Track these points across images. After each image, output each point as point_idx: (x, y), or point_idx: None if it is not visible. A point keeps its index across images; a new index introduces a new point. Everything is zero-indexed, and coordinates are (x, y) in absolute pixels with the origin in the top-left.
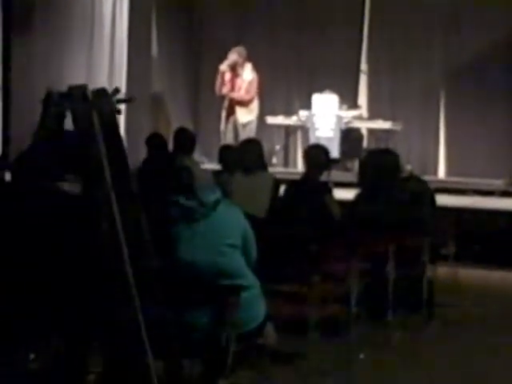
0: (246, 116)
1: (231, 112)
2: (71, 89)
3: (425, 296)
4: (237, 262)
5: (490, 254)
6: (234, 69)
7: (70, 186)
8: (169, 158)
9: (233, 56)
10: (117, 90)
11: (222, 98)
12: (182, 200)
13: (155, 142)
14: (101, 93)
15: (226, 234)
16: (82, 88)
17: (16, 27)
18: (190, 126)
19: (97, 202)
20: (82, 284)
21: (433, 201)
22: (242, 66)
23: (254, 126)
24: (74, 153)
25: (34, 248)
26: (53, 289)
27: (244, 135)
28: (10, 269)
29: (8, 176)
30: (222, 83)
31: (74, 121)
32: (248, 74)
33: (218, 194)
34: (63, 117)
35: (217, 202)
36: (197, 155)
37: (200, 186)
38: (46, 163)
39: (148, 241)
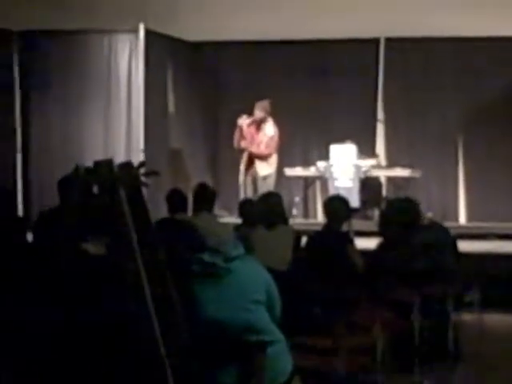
0: (265, 169)
1: (250, 165)
2: (97, 164)
3: (451, 344)
4: (262, 317)
5: None
6: (256, 123)
7: (95, 248)
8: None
9: (260, 113)
10: (142, 164)
11: (241, 151)
12: (206, 257)
13: (175, 198)
14: (126, 167)
15: (251, 289)
16: (108, 163)
17: (34, 88)
18: (209, 180)
19: (125, 280)
20: (109, 350)
21: (455, 247)
22: (266, 120)
23: (272, 179)
24: (98, 215)
25: (57, 313)
26: (80, 353)
27: (263, 188)
28: (29, 334)
29: (30, 237)
30: (241, 137)
31: (101, 195)
32: (270, 129)
33: (240, 249)
34: (90, 192)
35: (240, 258)
36: (217, 209)
37: (222, 241)
38: (70, 225)
39: (176, 306)
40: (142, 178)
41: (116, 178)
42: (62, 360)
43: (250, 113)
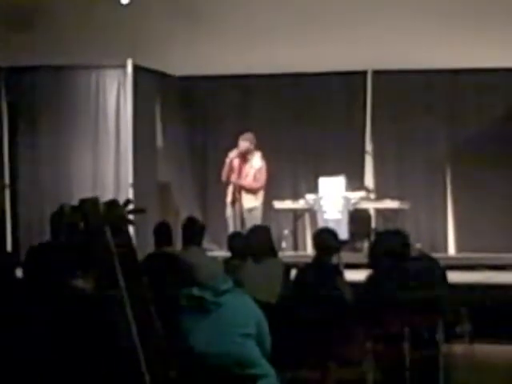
0: (251, 202)
1: (237, 198)
2: (83, 202)
3: (441, 376)
4: (252, 351)
5: (506, 329)
6: (243, 156)
7: (84, 283)
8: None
9: (245, 144)
10: (128, 201)
11: (228, 184)
12: (196, 291)
13: (162, 231)
14: (112, 205)
15: (240, 323)
16: (94, 201)
17: (21, 124)
18: (197, 214)
19: (113, 320)
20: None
21: (445, 278)
22: (252, 153)
23: (259, 212)
24: (85, 250)
25: (45, 349)
26: None
27: (250, 221)
28: (19, 372)
29: (19, 272)
30: (231, 170)
31: (87, 233)
32: (257, 161)
33: (229, 283)
34: (76, 229)
35: (229, 292)
36: (206, 243)
37: (212, 275)
38: (59, 261)
39: (162, 340)
40: (129, 216)
41: (102, 217)
42: None
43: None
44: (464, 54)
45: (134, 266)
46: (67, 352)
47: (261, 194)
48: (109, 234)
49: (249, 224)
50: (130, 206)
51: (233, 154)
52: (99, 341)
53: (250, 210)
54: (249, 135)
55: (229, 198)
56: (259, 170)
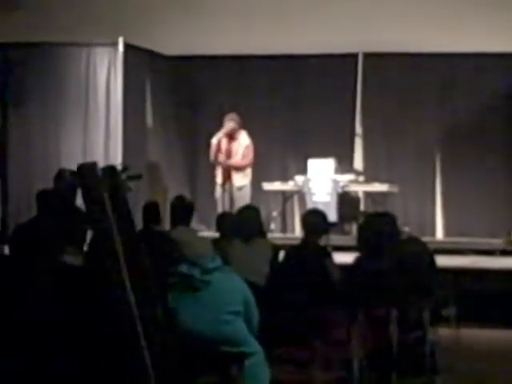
0: (240, 180)
1: (226, 178)
2: (81, 167)
3: (427, 359)
4: (239, 329)
5: (492, 314)
6: (230, 135)
7: (73, 259)
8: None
9: (230, 124)
10: (125, 168)
11: (217, 165)
12: (184, 269)
13: (150, 210)
14: (110, 170)
15: (228, 301)
16: (92, 165)
17: (11, 101)
18: (186, 193)
19: (109, 276)
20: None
21: (432, 262)
22: (238, 132)
23: (248, 190)
24: (75, 226)
25: (36, 326)
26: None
27: (239, 200)
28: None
29: (6, 250)
30: (218, 151)
31: (85, 197)
32: (245, 139)
33: (218, 262)
34: (74, 194)
35: (217, 270)
36: (194, 223)
37: (200, 254)
38: (46, 237)
39: (159, 312)
40: (126, 182)
41: (100, 181)
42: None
43: None
44: (454, 38)
45: (131, 231)
46: (62, 327)
47: (249, 172)
48: (107, 198)
49: (238, 203)
50: (127, 173)
51: (220, 134)
52: (96, 314)
53: (240, 189)
54: (233, 115)
55: (218, 179)
56: (247, 147)
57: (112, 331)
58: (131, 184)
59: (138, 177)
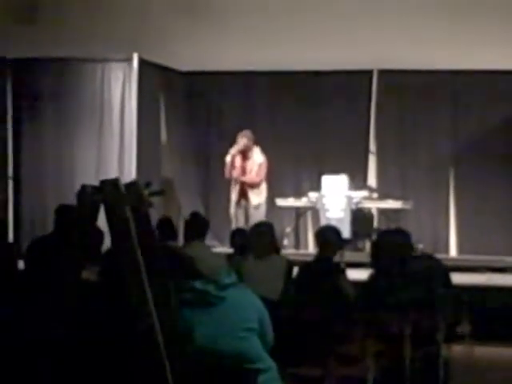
0: (256, 198)
1: (242, 195)
2: (104, 182)
3: (441, 376)
4: (254, 345)
5: (506, 331)
6: (243, 153)
7: (89, 274)
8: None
9: (243, 140)
10: (148, 183)
11: (232, 181)
12: (199, 285)
13: (165, 226)
14: (133, 186)
15: (243, 317)
16: (115, 181)
17: (26, 118)
18: (200, 209)
19: (133, 298)
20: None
21: (447, 279)
22: (251, 149)
23: (263, 209)
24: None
25: (53, 345)
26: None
27: (255, 217)
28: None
29: (21, 264)
30: (233, 167)
31: (107, 213)
32: (258, 156)
33: (233, 278)
34: (97, 210)
35: (233, 286)
36: (208, 239)
37: (215, 269)
38: (66, 252)
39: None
40: (148, 198)
41: (122, 197)
42: None
43: None
44: (468, 55)
45: (153, 248)
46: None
47: (264, 190)
48: (129, 214)
49: (253, 221)
50: (150, 189)
51: (233, 151)
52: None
53: (257, 207)
54: (247, 132)
55: (233, 196)
56: (260, 165)
57: (134, 346)
58: (153, 200)
59: (160, 193)
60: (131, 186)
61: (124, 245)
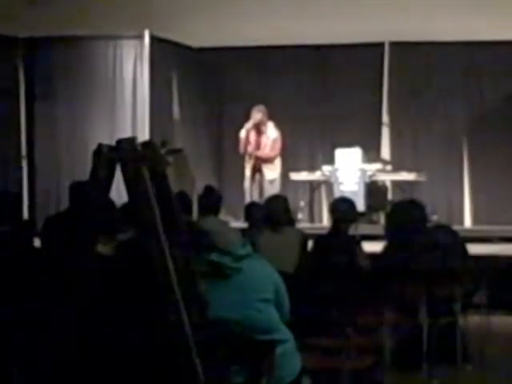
0: (271, 173)
1: (256, 170)
2: (120, 141)
3: (458, 345)
4: (271, 316)
5: None
6: (257, 127)
7: (104, 249)
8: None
9: (257, 115)
10: (165, 142)
11: (245, 156)
12: (215, 257)
13: (180, 201)
14: (149, 145)
15: (259, 288)
16: (131, 140)
17: (39, 95)
18: (214, 185)
19: (151, 259)
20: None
21: (463, 249)
22: (265, 124)
23: (278, 183)
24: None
25: (80, 318)
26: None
27: (270, 192)
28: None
29: (37, 242)
30: (247, 142)
31: (124, 173)
32: (272, 131)
33: (248, 249)
34: (113, 169)
35: (248, 257)
36: (222, 214)
37: (230, 241)
38: (82, 227)
39: (203, 298)
40: (166, 157)
41: (139, 155)
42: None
43: None
44: (481, 26)
45: (171, 209)
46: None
47: (279, 165)
48: (146, 173)
49: (268, 195)
50: (167, 147)
51: (249, 125)
52: (141, 306)
53: (271, 182)
54: (260, 107)
55: (248, 171)
56: (274, 140)
57: (157, 322)
58: (171, 158)
59: (177, 151)
60: (148, 145)
61: (141, 204)
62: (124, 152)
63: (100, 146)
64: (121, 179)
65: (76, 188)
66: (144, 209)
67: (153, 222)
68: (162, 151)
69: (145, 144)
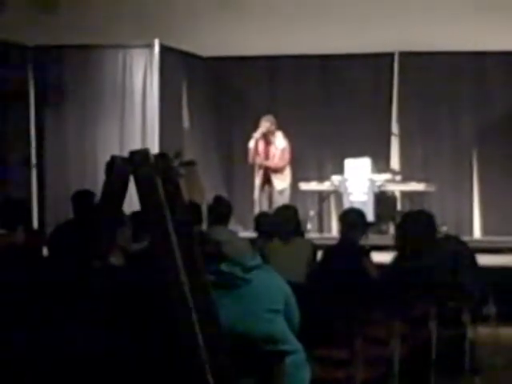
0: (281, 183)
1: (266, 180)
2: (133, 153)
3: (467, 357)
4: (280, 327)
5: None
6: (266, 137)
7: (115, 259)
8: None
9: (266, 124)
10: (179, 154)
11: (256, 166)
12: (225, 267)
13: (191, 210)
14: (163, 156)
15: (269, 299)
16: (144, 152)
17: (49, 102)
18: (223, 194)
19: (164, 271)
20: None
21: (473, 260)
22: (274, 134)
23: (288, 194)
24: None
25: (95, 330)
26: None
27: (279, 202)
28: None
29: (45, 251)
30: (256, 152)
31: (137, 184)
32: (280, 141)
33: (258, 260)
34: (126, 181)
35: (258, 268)
36: (231, 224)
37: (240, 252)
38: (85, 236)
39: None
40: (179, 169)
41: (152, 167)
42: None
43: None
44: (491, 36)
45: (188, 232)
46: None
47: (288, 175)
48: (159, 184)
49: (278, 205)
50: (180, 159)
51: (257, 135)
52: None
53: (281, 192)
54: (269, 116)
55: (257, 181)
56: (283, 150)
57: (169, 330)
58: (184, 170)
59: (191, 163)
60: (161, 156)
61: (155, 216)
62: (137, 164)
63: (113, 157)
64: (134, 191)
65: (78, 197)
66: (157, 221)
67: (166, 234)
68: (175, 163)
69: (158, 156)
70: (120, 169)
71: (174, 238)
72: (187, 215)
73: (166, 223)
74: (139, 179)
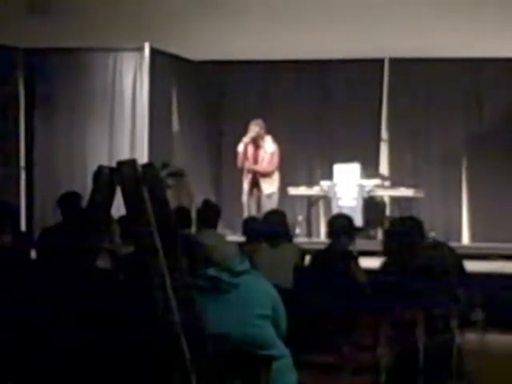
0: (269, 187)
1: (254, 184)
2: (121, 164)
3: (455, 363)
4: (268, 332)
5: None
6: (255, 141)
7: (102, 262)
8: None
9: (255, 128)
10: (166, 164)
11: (245, 170)
12: (212, 272)
13: (179, 215)
14: (150, 167)
15: (257, 304)
16: (132, 163)
17: (38, 106)
18: (212, 199)
19: (150, 279)
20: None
21: (461, 266)
22: (263, 138)
23: (276, 198)
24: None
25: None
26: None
27: (268, 207)
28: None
29: (33, 254)
30: (245, 156)
31: (124, 194)
32: (270, 145)
33: (246, 265)
34: (113, 192)
35: (246, 273)
36: (220, 228)
37: (228, 257)
38: (73, 240)
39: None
40: (166, 179)
41: (139, 178)
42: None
43: None
44: (480, 43)
45: (174, 243)
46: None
47: (277, 179)
48: (146, 196)
49: (266, 210)
50: (168, 169)
51: (246, 139)
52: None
53: (269, 196)
54: (258, 121)
55: (246, 185)
56: (272, 154)
57: (154, 333)
58: (171, 181)
59: (179, 174)
60: (148, 167)
61: (141, 226)
62: (125, 174)
63: (100, 167)
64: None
65: (65, 200)
66: (144, 232)
67: (152, 246)
68: (163, 174)
69: (145, 166)
70: (107, 180)
71: (160, 252)
72: (173, 226)
73: (153, 235)
74: (126, 191)
